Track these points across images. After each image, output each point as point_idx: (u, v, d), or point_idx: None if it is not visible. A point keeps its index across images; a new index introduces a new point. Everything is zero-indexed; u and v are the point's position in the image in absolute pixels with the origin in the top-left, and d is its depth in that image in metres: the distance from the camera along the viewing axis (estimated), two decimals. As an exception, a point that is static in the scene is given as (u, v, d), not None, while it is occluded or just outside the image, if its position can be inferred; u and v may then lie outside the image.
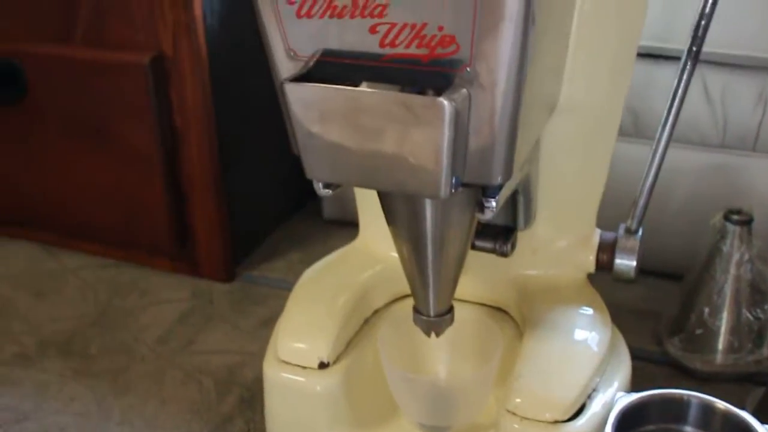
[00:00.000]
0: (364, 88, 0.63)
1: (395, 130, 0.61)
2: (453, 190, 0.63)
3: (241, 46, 1.17)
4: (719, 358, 1.02)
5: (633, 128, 1.14)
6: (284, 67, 0.66)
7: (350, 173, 0.65)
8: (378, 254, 0.93)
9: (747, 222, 1.01)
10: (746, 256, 1.00)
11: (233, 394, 1.03)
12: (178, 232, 1.21)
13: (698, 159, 1.13)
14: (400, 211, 0.72)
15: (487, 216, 0.68)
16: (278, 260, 1.30)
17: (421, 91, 0.64)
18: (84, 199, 1.24)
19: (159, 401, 1.02)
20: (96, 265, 1.29)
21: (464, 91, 0.60)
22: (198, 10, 1.07)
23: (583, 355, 0.80)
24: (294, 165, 1.35)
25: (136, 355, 1.10)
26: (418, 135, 0.60)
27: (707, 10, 0.78)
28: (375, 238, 0.94)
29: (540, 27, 0.60)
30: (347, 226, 0.98)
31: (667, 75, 1.09)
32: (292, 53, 0.65)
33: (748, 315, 1.00)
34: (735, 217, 1.01)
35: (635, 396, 0.74)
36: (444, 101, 0.58)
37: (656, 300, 1.16)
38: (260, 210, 1.33)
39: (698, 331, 1.02)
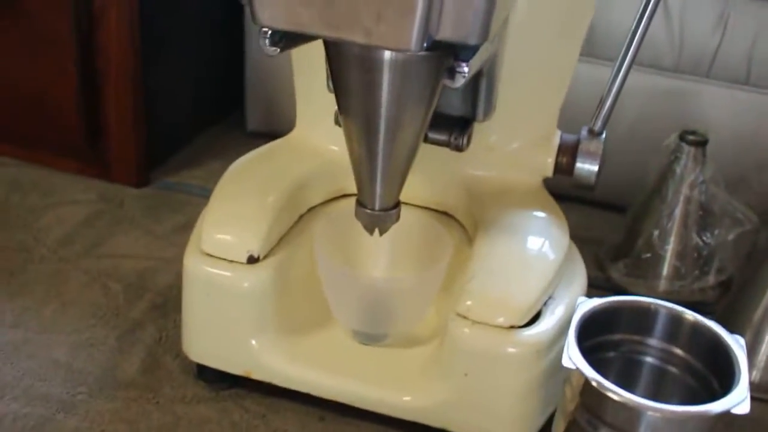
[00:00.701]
0: None
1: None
2: (424, 45, 0.55)
3: None
4: (663, 284, 0.98)
5: (587, 47, 1.08)
6: None
7: (308, 16, 0.56)
8: (317, 147, 0.85)
9: (702, 143, 0.97)
10: (700, 178, 0.95)
11: (144, 300, 0.93)
12: (88, 129, 1.10)
13: (651, 82, 1.08)
14: (353, 79, 0.64)
15: (458, 83, 0.60)
16: (197, 168, 1.19)
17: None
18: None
19: (59, 304, 0.91)
20: (-7, 163, 1.16)
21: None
22: None
23: (541, 259, 0.74)
24: (220, 67, 1.25)
25: (34, 255, 0.99)
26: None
27: None
28: (313, 128, 0.85)
29: None
30: (273, 138, 0.89)
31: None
32: None
33: (698, 240, 0.96)
34: (690, 137, 0.97)
35: (599, 301, 0.68)
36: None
37: (597, 228, 1.11)
38: (180, 113, 1.21)
39: (645, 256, 0.98)
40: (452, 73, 0.60)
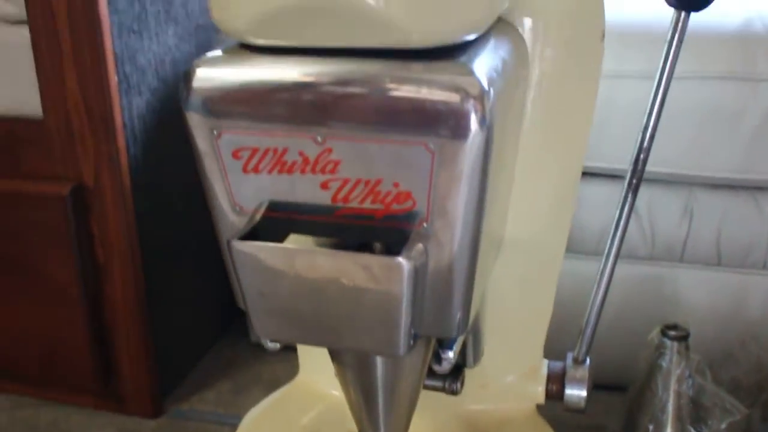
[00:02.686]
0: (316, 248, 0.60)
1: (351, 290, 0.58)
2: (410, 344, 0.61)
3: (167, 176, 1.14)
4: (666, 475, 1.01)
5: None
6: (229, 221, 0.63)
7: (303, 333, 0.63)
8: (322, 392, 0.90)
9: (684, 337, 1.01)
10: (687, 372, 1.00)
11: None
12: (101, 368, 1.15)
13: (628, 271, 1.14)
14: (349, 363, 0.69)
15: (445, 368, 0.66)
16: (207, 391, 1.24)
17: (374, 246, 0.62)
18: (-2, 338, 1.17)
19: None
20: (11, 406, 1.21)
21: (420, 246, 0.58)
22: (121, 140, 1.04)
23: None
24: (218, 287, 1.31)
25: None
26: (375, 294, 0.58)
27: (645, 144, 0.79)
28: (317, 375, 0.90)
29: (493, 177, 0.59)
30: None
31: (594, 191, 1.10)
32: (237, 208, 0.62)
33: (693, 431, 1.00)
34: (672, 332, 1.02)
35: None
36: (402, 261, 0.56)
37: (598, 414, 1.14)
38: (187, 339, 1.27)
39: (645, 449, 1.02)
40: (438, 358, 0.66)
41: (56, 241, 1.07)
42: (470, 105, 0.53)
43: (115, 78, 1.01)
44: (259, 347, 1.30)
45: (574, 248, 1.13)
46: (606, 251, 0.84)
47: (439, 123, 0.54)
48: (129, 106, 1.04)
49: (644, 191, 1.10)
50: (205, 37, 1.20)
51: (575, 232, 1.13)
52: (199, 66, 0.59)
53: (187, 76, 0.59)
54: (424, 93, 0.54)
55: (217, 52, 0.60)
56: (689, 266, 1.13)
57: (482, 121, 0.54)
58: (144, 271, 1.11)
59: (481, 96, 0.54)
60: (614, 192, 1.08)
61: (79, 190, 1.06)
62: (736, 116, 1.01)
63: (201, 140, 0.60)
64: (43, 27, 1.00)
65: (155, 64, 1.09)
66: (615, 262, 0.83)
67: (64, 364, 1.16)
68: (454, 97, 0.53)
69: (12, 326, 1.16)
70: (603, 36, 0.72)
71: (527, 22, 0.72)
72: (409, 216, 0.58)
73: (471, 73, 0.54)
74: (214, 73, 0.58)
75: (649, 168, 1.06)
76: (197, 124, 0.59)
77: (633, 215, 1.12)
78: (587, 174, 1.10)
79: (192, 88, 0.58)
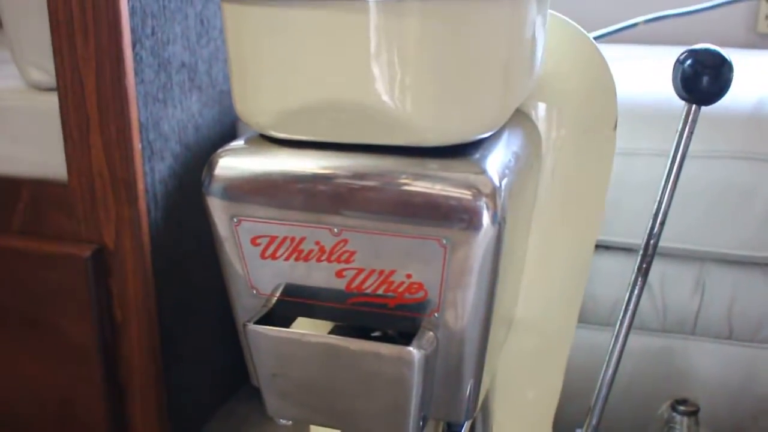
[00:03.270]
0: (329, 335, 0.62)
1: (362, 376, 0.60)
2: (420, 428, 0.62)
3: (185, 238, 1.17)
4: None
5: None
6: (245, 303, 0.65)
7: (314, 414, 0.64)
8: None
9: (694, 412, 1.02)
10: (696, 450, 1.00)
11: None
12: (115, 426, 1.16)
13: (640, 343, 1.15)
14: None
15: (454, 450, 0.67)
16: (219, 450, 1.25)
17: (387, 333, 0.64)
18: (13, 394, 1.19)
19: None
20: (24, 461, 1.22)
21: (431, 334, 0.60)
22: (142, 204, 1.06)
23: None
24: (233, 346, 1.33)
25: None
26: (385, 381, 0.59)
27: (658, 222, 0.80)
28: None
29: (504, 266, 0.61)
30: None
31: (607, 264, 1.12)
32: (254, 291, 0.64)
33: None
34: (682, 407, 1.02)
35: None
36: (413, 350, 0.57)
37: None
38: (200, 397, 1.29)
39: None
40: (448, 439, 0.67)
41: (75, 300, 1.09)
42: (482, 203, 0.55)
43: (139, 146, 1.03)
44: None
45: (586, 319, 1.14)
46: (618, 324, 0.85)
47: (452, 219, 0.56)
48: (151, 172, 1.07)
49: (657, 265, 1.11)
50: (229, 103, 1.23)
51: (588, 303, 1.15)
52: (221, 156, 0.61)
53: (210, 165, 0.61)
54: (438, 190, 0.56)
55: (240, 142, 0.62)
56: (701, 339, 1.14)
57: (494, 218, 0.56)
58: (160, 330, 1.12)
59: (493, 194, 0.56)
60: (627, 264, 1.10)
61: (100, 252, 1.08)
62: (748, 194, 1.02)
63: (221, 226, 0.62)
64: (72, 95, 1.02)
65: (178, 130, 1.12)
66: (627, 336, 0.84)
67: (78, 420, 1.17)
68: (467, 195, 0.55)
69: (28, 382, 1.18)
70: (616, 125, 0.74)
71: (541, 107, 0.74)
72: (421, 305, 0.60)
73: (483, 171, 0.56)
74: (236, 163, 0.60)
75: (662, 243, 1.07)
76: (218, 210, 0.61)
77: (645, 288, 1.13)
78: (600, 247, 1.11)
79: (214, 176, 0.61)
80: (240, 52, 0.59)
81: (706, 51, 0.71)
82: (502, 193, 0.57)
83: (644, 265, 0.82)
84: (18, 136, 1.11)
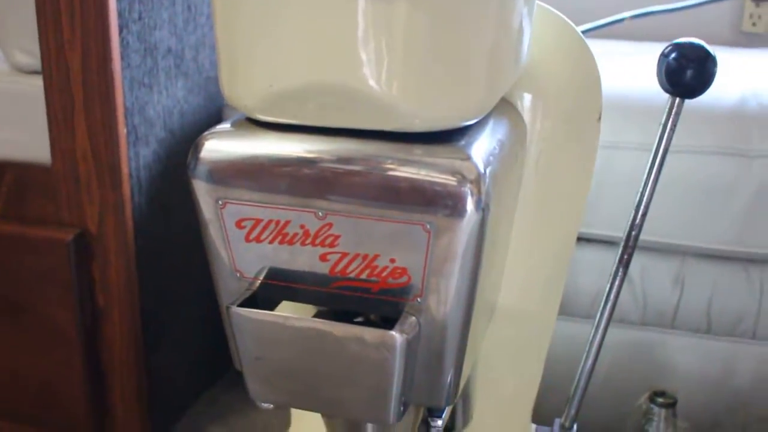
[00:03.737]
0: (312, 318, 0.62)
1: (344, 360, 0.60)
2: (401, 411, 0.63)
3: (169, 224, 1.17)
4: None
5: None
6: (229, 287, 0.65)
7: (296, 399, 0.64)
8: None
9: (672, 404, 1.03)
10: (673, 441, 1.01)
11: None
12: (95, 410, 1.16)
13: (619, 335, 1.16)
14: (340, 427, 0.71)
15: (434, 436, 0.67)
16: (199, 436, 1.25)
17: (370, 318, 0.64)
18: (-6, 377, 1.19)
19: None
20: (3, 445, 1.22)
21: (413, 319, 0.60)
22: (126, 189, 1.06)
23: None
24: (215, 333, 1.33)
25: None
26: (368, 365, 0.60)
27: (639, 216, 0.81)
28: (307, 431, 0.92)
29: (488, 254, 0.61)
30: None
31: (588, 256, 1.13)
32: (238, 274, 0.64)
33: (678, 500, 1.01)
34: (660, 399, 1.03)
35: None
36: (396, 335, 0.58)
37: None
38: (182, 383, 1.29)
39: None
40: (427, 425, 0.67)
41: (57, 285, 1.09)
42: (467, 189, 0.56)
43: (124, 130, 1.03)
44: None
45: (567, 311, 1.15)
46: (598, 316, 0.86)
47: (436, 205, 0.56)
48: (136, 157, 1.07)
49: (637, 258, 1.12)
50: (215, 90, 1.23)
51: (569, 295, 1.15)
52: (207, 138, 0.61)
53: (196, 147, 0.61)
54: (423, 175, 0.56)
55: (226, 125, 0.62)
56: (680, 333, 1.15)
57: (478, 204, 0.56)
58: (142, 316, 1.12)
59: (478, 180, 0.56)
60: (608, 257, 1.11)
61: (82, 237, 1.08)
62: (729, 190, 1.03)
63: (206, 209, 0.62)
64: (57, 79, 1.02)
65: (164, 115, 1.12)
66: (606, 328, 0.85)
67: (59, 405, 1.17)
68: (451, 181, 0.56)
69: (8, 366, 1.17)
70: (600, 117, 0.75)
71: (527, 98, 0.75)
72: (404, 290, 0.60)
73: (468, 157, 0.56)
74: (222, 146, 0.60)
75: (643, 236, 1.08)
76: (203, 193, 0.61)
77: (626, 281, 1.14)
78: (582, 239, 1.12)
79: (200, 159, 0.61)
80: (228, 35, 0.59)
81: (691, 45, 0.72)
82: (487, 180, 0.57)
83: (625, 257, 0.83)
84: (2, 118, 1.11)
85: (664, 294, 1.14)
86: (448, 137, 0.58)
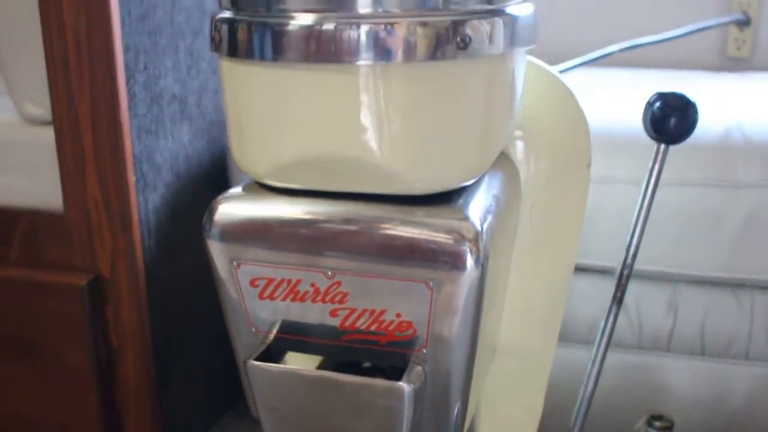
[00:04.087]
0: (324, 372, 0.66)
1: (356, 408, 0.64)
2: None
3: (177, 265, 1.20)
4: None
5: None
6: (245, 340, 0.69)
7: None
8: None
9: (669, 428, 1.06)
10: (671, 463, 1.05)
11: None
12: (110, 447, 1.20)
13: (616, 360, 1.19)
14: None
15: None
16: (212, 469, 1.29)
17: (378, 367, 0.68)
18: (11, 419, 1.22)
19: None
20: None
21: (420, 369, 0.64)
22: (136, 233, 1.10)
23: None
24: (225, 367, 1.37)
25: None
26: (378, 413, 0.63)
27: (632, 248, 0.85)
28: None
29: (488, 301, 0.65)
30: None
31: (584, 285, 1.16)
32: (253, 329, 0.68)
33: None
34: (657, 423, 1.07)
35: None
36: (404, 385, 0.62)
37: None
38: (193, 416, 1.32)
39: None
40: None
41: (72, 327, 1.13)
42: (466, 247, 0.60)
43: (133, 177, 1.07)
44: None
45: (565, 337, 1.19)
46: (596, 344, 0.90)
47: (438, 264, 0.60)
48: (145, 202, 1.11)
49: (632, 286, 1.16)
50: (218, 132, 1.27)
51: (567, 322, 1.19)
52: (221, 202, 0.65)
53: (210, 210, 0.65)
54: (425, 236, 0.60)
55: (238, 189, 0.66)
56: (675, 356, 1.19)
57: (477, 261, 0.60)
58: (155, 354, 1.16)
59: (476, 238, 0.60)
60: (604, 285, 1.15)
61: (96, 281, 1.11)
62: (718, 220, 1.07)
63: (221, 268, 0.66)
64: (68, 130, 1.06)
65: (170, 160, 1.16)
66: (605, 354, 0.89)
67: (75, 444, 1.21)
68: (451, 241, 0.60)
69: (26, 407, 1.21)
70: (589, 164, 0.79)
71: (519, 147, 0.79)
72: (410, 342, 0.64)
73: (466, 217, 0.60)
74: (235, 209, 0.64)
75: (637, 266, 1.12)
76: (218, 254, 0.65)
77: (622, 308, 1.18)
78: (578, 269, 1.16)
79: (214, 222, 0.65)
80: (237, 107, 0.63)
81: (673, 95, 0.76)
82: (484, 237, 0.61)
83: (620, 289, 0.87)
84: (15, 168, 1.15)
85: (658, 319, 1.17)
86: (447, 197, 0.62)
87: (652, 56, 1.48)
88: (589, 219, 1.11)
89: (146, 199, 1.11)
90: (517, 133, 0.77)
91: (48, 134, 1.09)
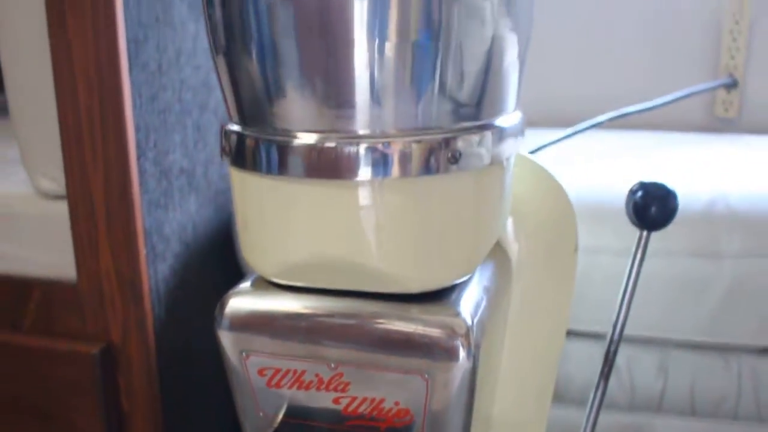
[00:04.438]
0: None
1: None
2: None
3: (185, 332, 1.25)
4: None
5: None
6: (253, 424, 0.73)
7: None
8: None
9: (660, 489, 1.11)
10: None
11: None
12: (120, 508, 1.24)
13: (609, 420, 1.24)
14: None
15: None
16: None
17: (379, 450, 0.73)
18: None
19: None
20: None
21: (417, 452, 0.69)
22: (147, 303, 1.14)
23: None
24: (233, 427, 1.41)
25: None
26: (378, 495, 0.68)
27: (619, 325, 0.90)
28: None
29: (480, 384, 0.70)
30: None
31: (576, 348, 1.21)
32: (261, 414, 0.72)
33: None
34: (649, 484, 1.11)
35: None
36: (403, 471, 0.66)
37: None
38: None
39: None
40: None
41: (85, 393, 1.17)
42: (458, 342, 0.64)
43: (144, 250, 1.12)
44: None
45: (559, 398, 1.23)
46: (589, 406, 0.94)
47: (432, 357, 0.65)
48: (155, 273, 1.16)
49: (623, 350, 1.21)
50: (223, 201, 1.32)
51: (560, 384, 1.24)
52: (231, 297, 0.70)
53: (222, 304, 0.70)
54: (420, 331, 0.65)
55: (247, 284, 0.71)
56: (666, 416, 1.23)
57: (468, 354, 0.65)
58: (164, 419, 1.20)
59: (467, 333, 0.65)
60: (596, 348, 1.19)
61: (108, 349, 1.16)
62: (703, 288, 1.12)
63: (232, 357, 0.70)
64: (81, 204, 1.11)
65: (178, 231, 1.21)
66: (597, 416, 0.93)
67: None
68: (444, 336, 0.64)
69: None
70: (576, 248, 0.84)
71: (510, 233, 0.84)
72: (408, 427, 0.68)
73: (458, 314, 0.65)
74: (244, 304, 0.69)
75: (627, 331, 1.16)
76: (228, 344, 0.70)
77: (614, 371, 1.23)
78: (570, 334, 1.21)
79: (225, 314, 0.69)
80: (245, 213, 0.68)
81: (654, 185, 0.81)
82: (475, 331, 0.66)
83: (610, 356, 0.91)
84: (30, 240, 1.20)
85: (649, 381, 1.22)
86: (440, 294, 0.67)
87: (642, 118, 1.54)
88: (579, 288, 1.16)
89: (156, 269, 1.16)
90: (507, 221, 0.82)
91: (61, 208, 1.15)
